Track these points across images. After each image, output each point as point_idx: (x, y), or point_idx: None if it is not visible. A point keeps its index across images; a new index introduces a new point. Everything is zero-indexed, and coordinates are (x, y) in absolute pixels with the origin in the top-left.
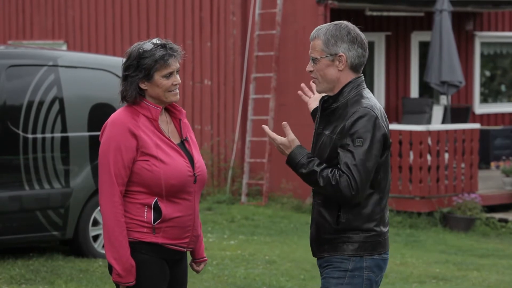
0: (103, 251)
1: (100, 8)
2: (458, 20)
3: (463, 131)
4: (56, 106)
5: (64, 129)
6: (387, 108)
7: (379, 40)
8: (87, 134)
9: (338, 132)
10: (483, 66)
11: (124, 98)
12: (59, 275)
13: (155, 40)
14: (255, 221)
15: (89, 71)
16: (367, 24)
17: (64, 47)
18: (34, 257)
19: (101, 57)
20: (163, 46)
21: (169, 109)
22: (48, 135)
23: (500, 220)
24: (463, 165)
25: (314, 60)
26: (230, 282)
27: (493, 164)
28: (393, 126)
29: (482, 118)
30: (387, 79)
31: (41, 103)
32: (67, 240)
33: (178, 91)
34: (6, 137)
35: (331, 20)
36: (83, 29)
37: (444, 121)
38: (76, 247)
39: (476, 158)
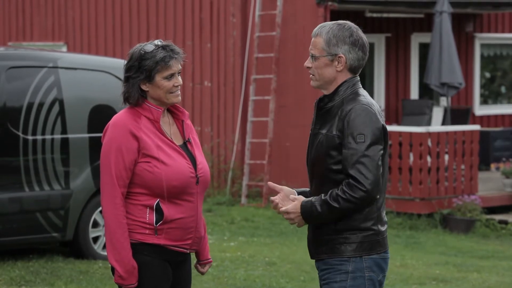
0: (103, 253)
1: (100, 9)
2: (458, 22)
3: (463, 132)
4: (56, 108)
5: (64, 131)
6: (387, 109)
7: (379, 41)
8: (87, 135)
9: (336, 130)
10: (483, 68)
11: (126, 99)
12: (59, 276)
13: (156, 42)
14: (255, 222)
15: (89, 72)
16: (367, 25)
17: (64, 49)
18: (34, 259)
19: (101, 58)
20: (164, 47)
21: (172, 110)
22: (48, 136)
23: (500, 221)
24: (463, 166)
25: (314, 57)
26: (230, 283)
27: (493, 165)
28: (393, 128)
29: (482, 120)
30: (387, 80)
31: (41, 105)
32: (67, 242)
33: (179, 92)
34: (6, 138)
35: None
36: (83, 30)
37: (444, 123)
38: (76, 248)
39: (476, 160)
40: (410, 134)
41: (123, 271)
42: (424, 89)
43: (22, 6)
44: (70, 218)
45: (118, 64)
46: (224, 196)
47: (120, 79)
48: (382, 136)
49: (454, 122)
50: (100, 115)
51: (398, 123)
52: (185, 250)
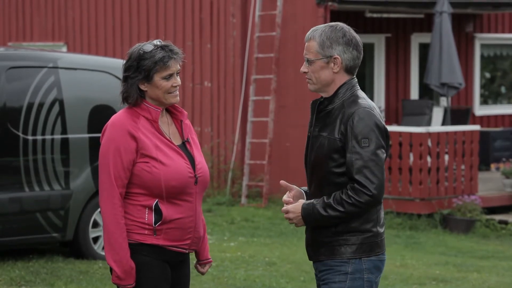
0: (103, 253)
1: (100, 9)
2: (458, 22)
3: (463, 132)
4: (56, 108)
5: (64, 131)
6: (387, 109)
7: (379, 41)
8: (87, 135)
9: (338, 133)
10: (483, 68)
11: (125, 99)
12: (59, 276)
13: (156, 42)
14: (255, 223)
15: (89, 72)
16: (367, 25)
17: (64, 49)
18: (34, 259)
19: (101, 58)
20: (163, 47)
21: (171, 110)
22: (48, 136)
23: (500, 221)
24: (463, 166)
25: (309, 62)
26: (230, 283)
27: (493, 165)
28: (393, 128)
29: (482, 120)
30: (387, 81)
31: (41, 105)
32: (67, 242)
33: (178, 92)
34: (6, 138)
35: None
36: (83, 30)
37: (444, 123)
38: (76, 248)
39: (476, 160)
40: (410, 134)
41: (121, 272)
42: (424, 89)
43: (22, 6)
44: (70, 218)
45: (118, 64)
46: (224, 196)
47: (120, 79)
48: (385, 139)
49: (454, 122)
50: (100, 115)
51: (398, 123)
52: (184, 250)
